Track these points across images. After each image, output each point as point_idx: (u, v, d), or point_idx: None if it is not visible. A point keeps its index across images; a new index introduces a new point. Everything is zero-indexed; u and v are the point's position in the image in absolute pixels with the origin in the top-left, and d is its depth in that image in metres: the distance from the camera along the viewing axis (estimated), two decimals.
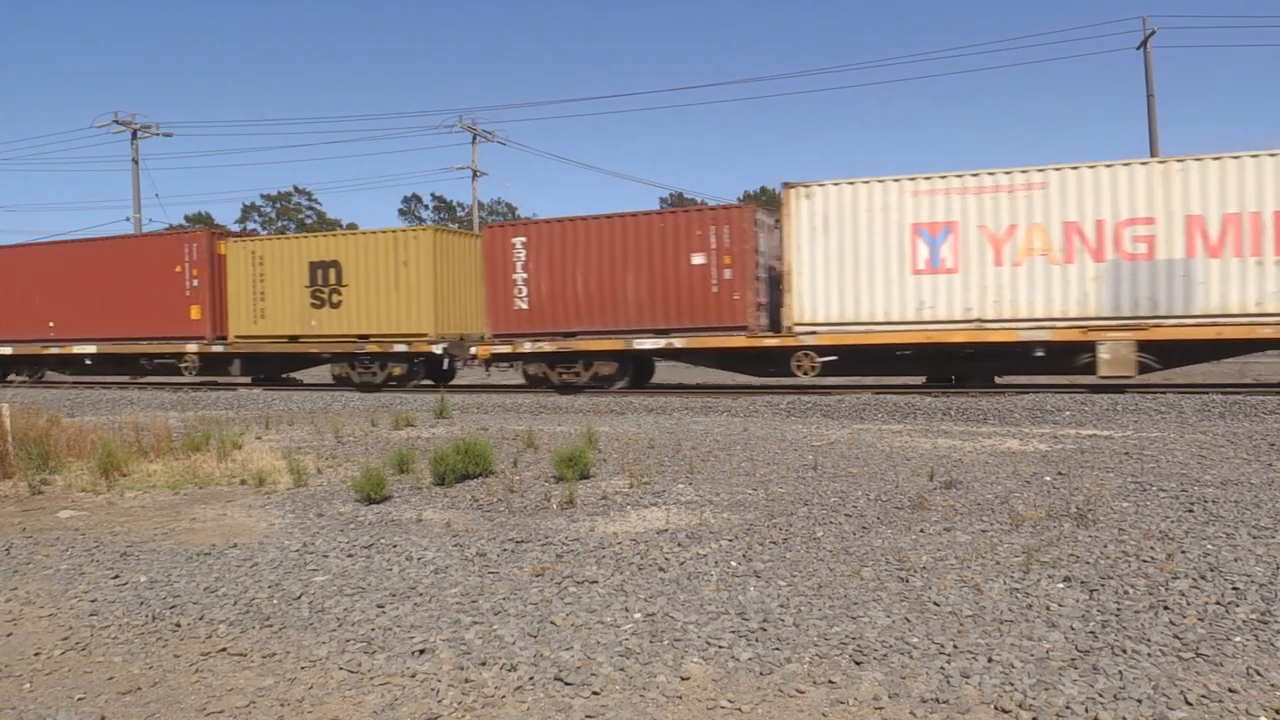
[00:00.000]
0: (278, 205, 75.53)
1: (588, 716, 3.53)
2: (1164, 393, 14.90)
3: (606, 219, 18.55)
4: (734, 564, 5.40)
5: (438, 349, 20.05)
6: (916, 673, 3.79)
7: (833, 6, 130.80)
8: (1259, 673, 3.66)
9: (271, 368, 23.40)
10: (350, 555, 5.88)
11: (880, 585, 4.93)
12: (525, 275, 19.02)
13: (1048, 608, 4.49)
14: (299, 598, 5.04)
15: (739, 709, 3.56)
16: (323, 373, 23.41)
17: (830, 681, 3.75)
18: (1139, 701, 3.43)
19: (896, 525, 6.17)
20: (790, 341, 17.08)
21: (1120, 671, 3.71)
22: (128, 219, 45.73)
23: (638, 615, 4.59)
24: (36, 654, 4.38)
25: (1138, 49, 32.82)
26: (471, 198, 49.38)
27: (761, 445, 10.03)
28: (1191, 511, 6.22)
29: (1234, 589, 4.59)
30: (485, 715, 3.59)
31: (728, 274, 17.42)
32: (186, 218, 71.38)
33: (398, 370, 20.56)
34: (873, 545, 5.70)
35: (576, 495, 7.37)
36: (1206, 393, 14.53)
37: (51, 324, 24.12)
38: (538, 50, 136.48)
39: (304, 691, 3.86)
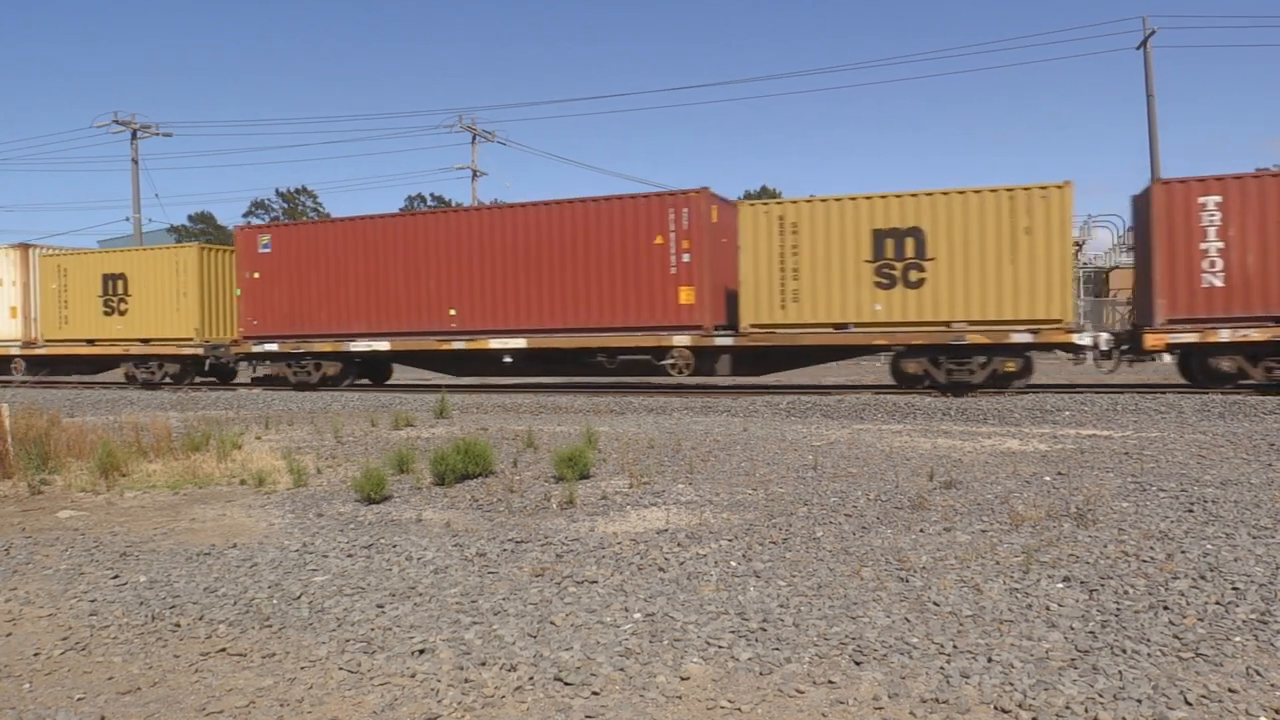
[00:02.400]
0: (289, 204, 75.52)
1: (588, 716, 3.53)
2: (1164, 393, 14.90)
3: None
4: (734, 564, 5.40)
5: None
6: (916, 673, 3.79)
7: (833, 6, 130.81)
8: (1259, 673, 3.66)
9: (799, 362, 18.36)
10: (350, 555, 5.88)
11: (880, 585, 4.93)
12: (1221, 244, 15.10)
13: (1047, 608, 4.48)
14: (299, 598, 5.04)
15: (739, 709, 3.56)
16: (849, 369, 20.02)
17: (830, 681, 3.75)
18: (1139, 701, 3.43)
19: (896, 525, 6.17)
20: None
21: (1120, 671, 3.70)
22: (127, 219, 45.76)
23: (637, 615, 4.59)
24: (36, 654, 4.37)
25: (1138, 49, 32.83)
26: (471, 198, 49.39)
27: (761, 445, 10.02)
28: (1191, 511, 6.22)
29: (1234, 589, 4.59)
30: (485, 715, 3.59)
31: None
32: (189, 218, 71.40)
33: (1010, 366, 15.96)
34: (872, 545, 5.70)
35: (576, 495, 7.36)
36: (1206, 393, 14.53)
37: (452, 311, 19.35)
38: (538, 50, 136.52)
39: (304, 691, 3.86)
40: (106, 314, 23.34)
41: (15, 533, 6.89)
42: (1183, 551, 5.26)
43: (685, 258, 17.32)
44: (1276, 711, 3.36)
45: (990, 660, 3.87)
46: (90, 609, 4.98)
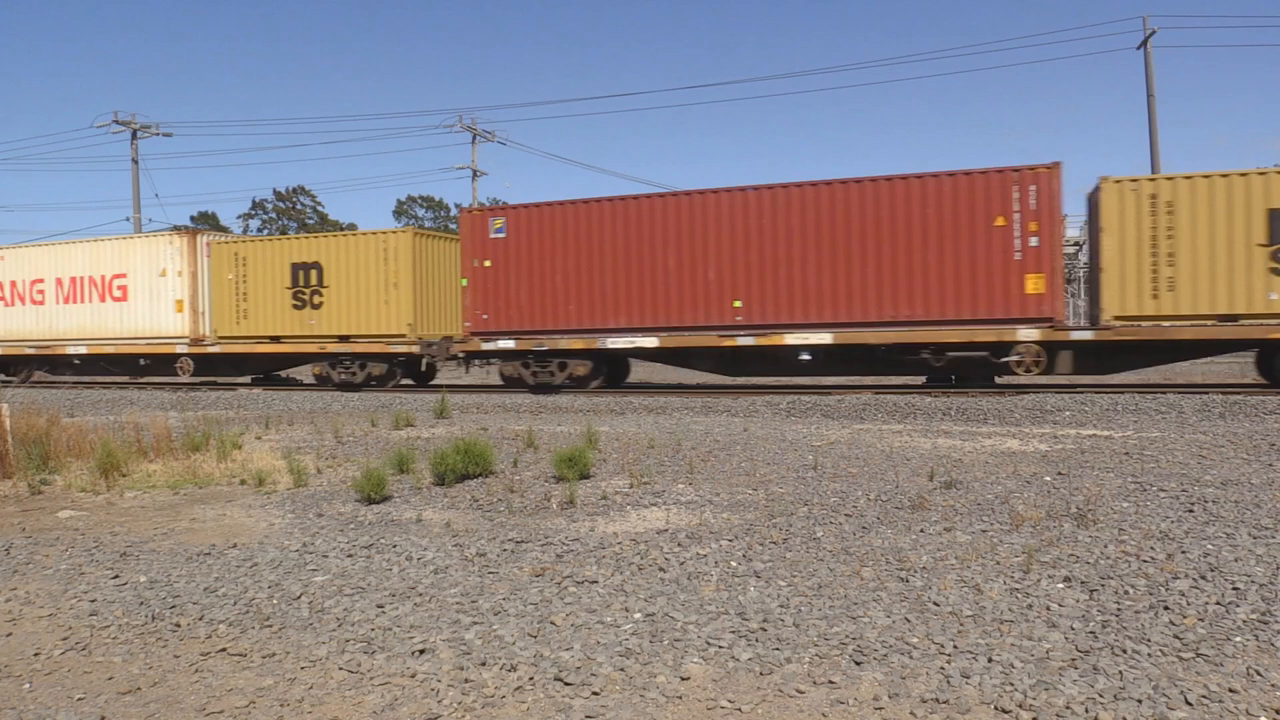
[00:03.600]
0: (285, 203, 75.44)
1: (588, 716, 3.53)
2: (1164, 393, 14.89)
3: None
4: (734, 564, 5.40)
5: None
6: (916, 673, 3.79)
7: (833, 6, 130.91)
8: (1259, 673, 3.66)
9: (1163, 359, 16.74)
10: (350, 555, 5.88)
11: (880, 585, 4.92)
12: None
13: (1048, 608, 4.48)
14: (299, 598, 5.04)
15: (739, 709, 3.56)
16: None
17: (830, 681, 3.75)
18: (1139, 701, 3.43)
19: (896, 525, 6.17)
20: None
21: (1120, 671, 3.70)
22: (128, 219, 45.77)
23: (638, 615, 4.59)
24: (36, 654, 4.37)
25: (1138, 49, 32.87)
26: (471, 198, 49.41)
27: (761, 445, 10.02)
28: (1191, 511, 6.21)
29: (1234, 589, 4.59)
30: (485, 715, 3.59)
31: None
32: (191, 218, 71.40)
33: None
34: (873, 545, 5.69)
35: (576, 495, 7.36)
36: (1206, 393, 14.52)
37: (737, 303, 17.21)
38: (538, 50, 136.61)
39: (304, 691, 3.86)
40: (296, 307, 20.77)
41: (15, 533, 6.89)
42: (1183, 551, 5.26)
43: (1033, 241, 15.46)
44: (1277, 711, 3.36)
45: (991, 660, 3.87)
46: (90, 609, 4.98)
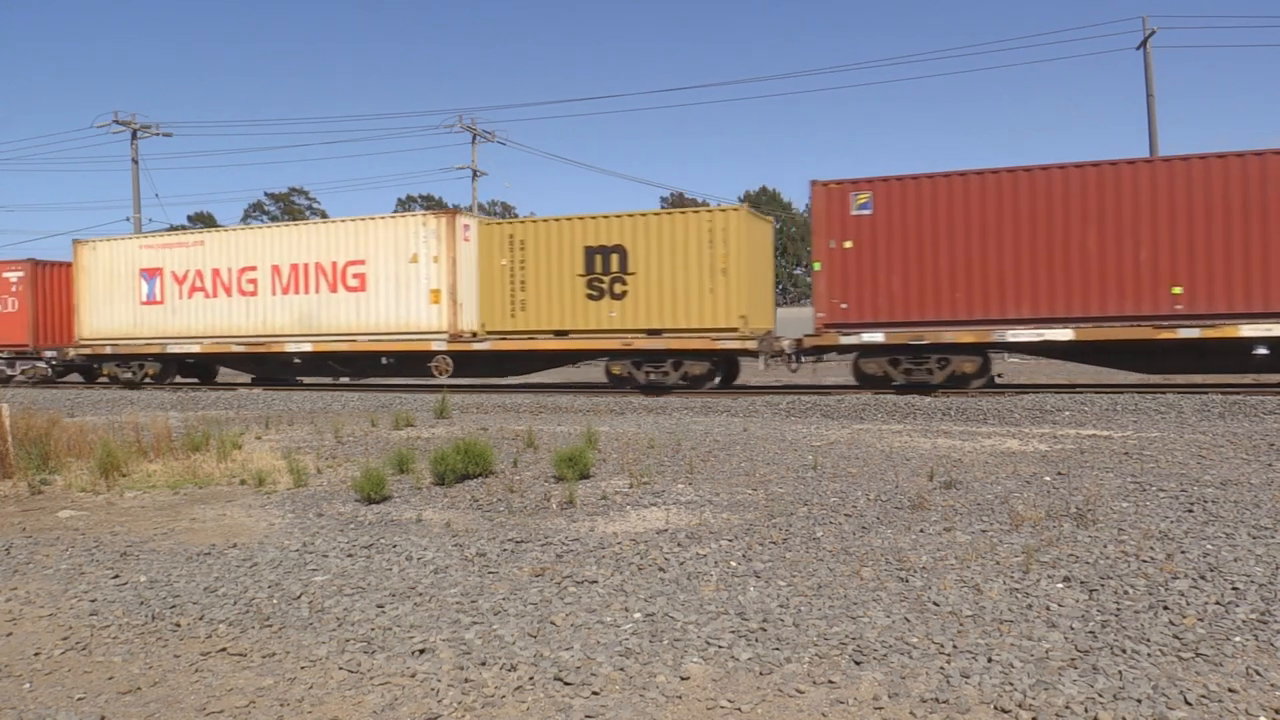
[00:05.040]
0: (281, 204, 75.37)
1: (588, 716, 3.53)
2: (1163, 393, 14.88)
3: None
4: (734, 564, 5.40)
5: None
6: (916, 673, 3.79)
7: (833, 6, 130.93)
8: (1259, 673, 3.66)
9: None
10: (350, 555, 5.88)
11: (880, 585, 4.93)
12: None
13: (1047, 608, 4.49)
14: (299, 598, 5.04)
15: (739, 709, 3.56)
16: None
17: (830, 681, 3.76)
18: (1139, 701, 3.43)
19: (896, 525, 6.17)
20: None
21: (1120, 671, 3.71)
22: (128, 219, 45.74)
23: (637, 615, 4.59)
24: (36, 654, 4.38)
25: (1138, 49, 32.83)
26: (471, 198, 49.41)
27: (761, 445, 10.02)
28: (1191, 511, 6.21)
29: (1234, 589, 4.59)
30: (485, 715, 3.59)
31: None
32: (189, 217, 71.36)
33: None
34: (872, 545, 5.70)
35: (576, 495, 7.36)
36: (1206, 393, 14.51)
37: (1177, 289, 15.05)
38: (538, 50, 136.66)
39: (304, 691, 3.86)
40: (591, 297, 17.92)
41: (16, 532, 6.90)
42: (1183, 551, 5.26)
43: None
44: (1276, 711, 3.36)
45: (990, 660, 3.87)
46: (91, 609, 4.98)
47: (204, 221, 70.52)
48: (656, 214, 18.16)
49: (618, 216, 18.09)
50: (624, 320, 17.89)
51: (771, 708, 3.57)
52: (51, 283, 25.72)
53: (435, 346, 19.36)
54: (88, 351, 23.70)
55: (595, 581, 5.14)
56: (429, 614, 4.71)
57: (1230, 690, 3.51)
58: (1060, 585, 4.80)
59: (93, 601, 5.10)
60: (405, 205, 75.09)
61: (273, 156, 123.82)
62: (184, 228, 68.23)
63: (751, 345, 17.15)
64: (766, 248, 18.99)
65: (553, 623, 4.51)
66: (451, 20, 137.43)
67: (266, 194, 76.60)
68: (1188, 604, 4.43)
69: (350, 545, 6.10)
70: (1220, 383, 15.97)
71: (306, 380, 22.18)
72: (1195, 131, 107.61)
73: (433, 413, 14.06)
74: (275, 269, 21.14)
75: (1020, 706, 3.45)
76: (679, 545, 5.83)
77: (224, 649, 4.36)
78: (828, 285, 16.67)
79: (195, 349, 22.23)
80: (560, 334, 18.34)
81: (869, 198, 16.47)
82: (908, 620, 4.38)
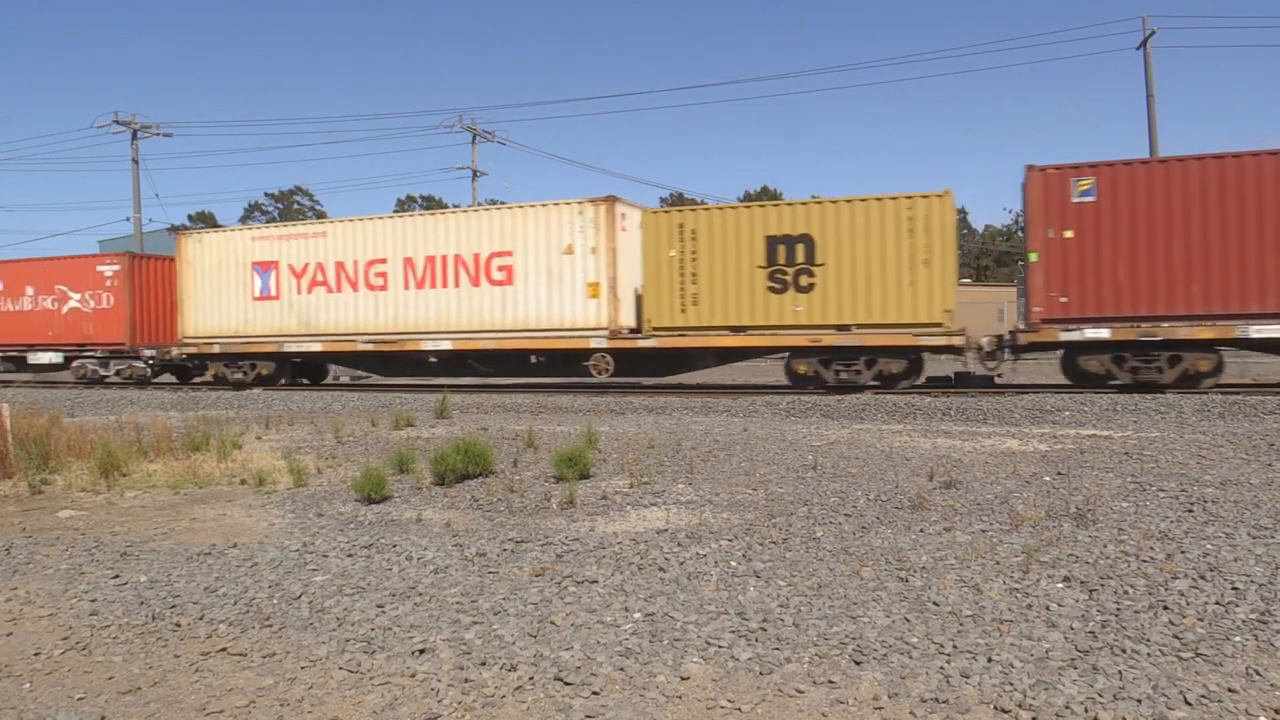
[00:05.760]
0: (281, 204, 75.28)
1: (588, 716, 3.53)
2: (1163, 393, 14.89)
3: None
4: (734, 564, 5.40)
5: None
6: (916, 673, 3.79)
7: (833, 6, 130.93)
8: (1259, 673, 3.66)
9: None
10: (350, 555, 5.88)
11: (880, 585, 4.93)
12: None
13: (1047, 608, 4.49)
14: (299, 598, 5.04)
15: (739, 709, 3.56)
16: None
17: (830, 681, 3.76)
18: (1139, 701, 3.43)
19: (896, 525, 6.17)
20: None
21: (1120, 671, 3.71)
22: (128, 219, 45.76)
23: (638, 615, 4.59)
24: (36, 654, 4.38)
25: (1138, 49, 32.83)
26: (471, 198, 49.43)
27: (761, 445, 10.02)
28: (1191, 511, 6.21)
29: (1233, 589, 4.59)
30: (485, 715, 3.59)
31: None
32: (189, 217, 71.29)
33: None
34: (872, 545, 5.70)
35: (576, 495, 7.37)
36: (1206, 393, 14.52)
37: None
38: (538, 50, 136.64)
39: (304, 691, 3.86)
40: (774, 290, 16.79)
41: (16, 532, 6.90)
42: (1182, 551, 5.26)
43: None
44: (1276, 711, 3.36)
45: (990, 660, 3.87)
46: (91, 609, 4.98)
47: (205, 221, 70.38)
48: (848, 201, 16.79)
49: (804, 204, 17.10)
50: (810, 315, 16.74)
51: (771, 708, 3.57)
52: (148, 276, 24.07)
53: (593, 344, 18.06)
54: (193, 350, 22.21)
55: (595, 581, 5.15)
56: (429, 614, 4.71)
57: (1230, 690, 3.52)
58: (1060, 585, 4.80)
59: (93, 601, 5.10)
60: (405, 205, 75.02)
61: (273, 156, 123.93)
62: (184, 227, 68.03)
63: (959, 342, 16.08)
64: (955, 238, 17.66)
65: (553, 623, 4.51)
66: (451, 20, 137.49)
67: (266, 194, 76.48)
68: (1188, 604, 4.43)
69: (350, 545, 6.10)
70: (1219, 382, 15.96)
71: (445, 380, 20.16)
72: (1195, 131, 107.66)
73: (433, 413, 14.07)
74: (408, 261, 19.71)
75: (1020, 706, 3.45)
76: (679, 545, 5.83)
77: (224, 649, 4.36)
78: (1045, 278, 15.60)
79: (315, 347, 20.71)
80: (737, 330, 17.16)
81: (1092, 184, 15.46)
82: (908, 620, 4.38)
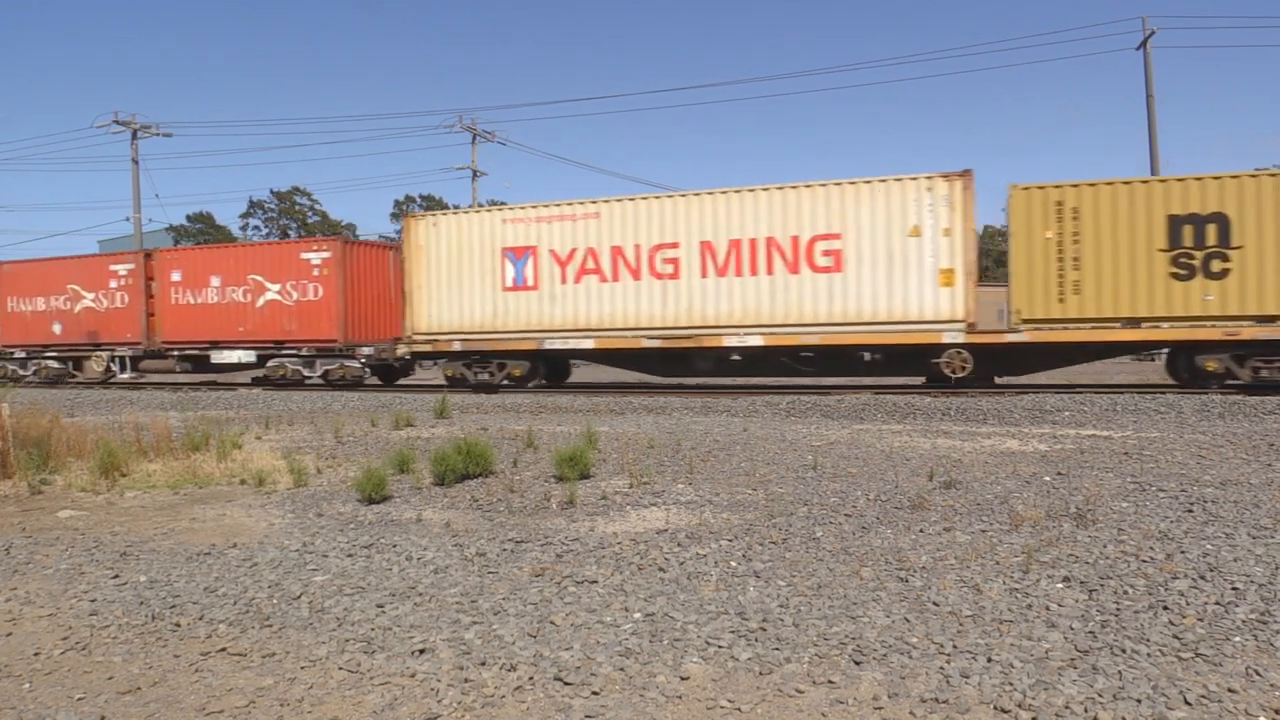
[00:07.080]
0: (283, 204, 75.12)
1: (587, 716, 3.53)
2: (1163, 393, 14.88)
3: None
4: (734, 564, 5.40)
5: None
6: (916, 673, 3.79)
7: (833, 6, 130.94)
8: (1258, 673, 3.66)
9: None
10: (350, 555, 5.88)
11: (880, 585, 4.93)
12: None
13: (1047, 608, 4.49)
14: (299, 598, 5.04)
15: (739, 709, 3.56)
16: None
17: (830, 681, 3.76)
18: (1138, 701, 3.43)
19: (896, 525, 6.17)
20: None
21: (1120, 671, 3.71)
22: (128, 219, 45.74)
23: (637, 615, 4.59)
24: (36, 654, 4.38)
25: (1137, 49, 32.86)
26: (471, 198, 49.42)
27: (761, 445, 10.02)
28: (1191, 511, 6.22)
29: (1233, 589, 4.59)
30: (485, 715, 3.59)
31: None
32: (188, 217, 71.22)
33: None
34: (872, 545, 5.70)
35: (576, 495, 7.36)
36: (1206, 393, 14.51)
37: None
38: (538, 50, 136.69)
39: (304, 691, 3.86)
40: (1178, 277, 14.87)
41: (15, 532, 6.90)
42: (1182, 551, 5.26)
43: None
44: (1276, 711, 3.36)
45: (990, 660, 3.87)
46: (90, 609, 4.98)
47: (203, 221, 70.26)
48: (1272, 175, 14.88)
49: (1215, 179, 14.96)
50: (1224, 305, 14.80)
51: (771, 708, 3.57)
52: (360, 266, 21.56)
53: (947, 339, 16.01)
54: (426, 348, 19.69)
55: (595, 581, 5.14)
56: (429, 614, 4.71)
57: (1230, 690, 3.52)
58: (1060, 585, 4.80)
59: (93, 601, 5.10)
60: (404, 205, 74.86)
61: (273, 156, 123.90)
62: (183, 227, 67.71)
63: None
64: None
65: (553, 623, 4.51)
66: (451, 20, 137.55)
67: (272, 191, 76.27)
68: (1187, 604, 4.43)
69: (350, 545, 6.10)
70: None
71: (751, 380, 18.30)
72: (1195, 131, 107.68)
73: (432, 413, 14.06)
74: (706, 246, 17.46)
75: (1020, 706, 3.45)
76: (679, 545, 5.83)
77: (224, 649, 4.36)
78: None
79: (587, 344, 18.26)
80: (1131, 322, 15.18)
81: None
82: (907, 620, 4.38)
